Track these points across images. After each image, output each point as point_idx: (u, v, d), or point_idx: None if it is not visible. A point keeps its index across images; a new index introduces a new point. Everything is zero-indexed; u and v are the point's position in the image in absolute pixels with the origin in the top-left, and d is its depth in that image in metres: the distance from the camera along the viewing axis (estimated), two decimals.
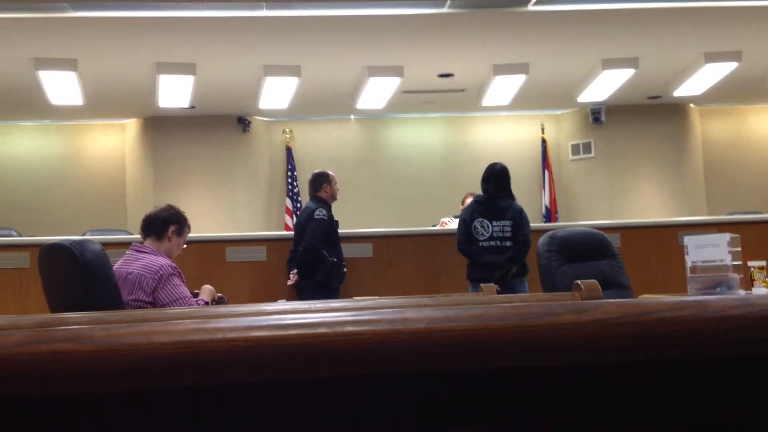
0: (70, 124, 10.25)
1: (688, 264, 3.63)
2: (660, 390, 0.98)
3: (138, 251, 3.92)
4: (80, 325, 1.18)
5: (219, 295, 4.13)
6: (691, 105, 10.68)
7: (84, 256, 3.43)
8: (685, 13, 7.12)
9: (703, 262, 3.57)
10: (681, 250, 3.87)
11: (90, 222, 9.33)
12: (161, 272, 3.76)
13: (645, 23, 7.33)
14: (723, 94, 9.99)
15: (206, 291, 4.05)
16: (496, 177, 5.52)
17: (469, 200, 6.59)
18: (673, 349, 0.91)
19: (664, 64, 8.64)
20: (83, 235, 7.07)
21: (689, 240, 3.66)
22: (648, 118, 10.42)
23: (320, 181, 6.01)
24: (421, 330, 0.86)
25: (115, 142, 10.37)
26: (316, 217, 5.76)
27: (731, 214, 8.42)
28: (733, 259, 3.51)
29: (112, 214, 10.01)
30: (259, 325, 0.84)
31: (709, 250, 3.54)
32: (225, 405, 0.92)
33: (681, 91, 9.44)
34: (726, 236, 3.54)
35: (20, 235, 7.44)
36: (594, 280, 1.77)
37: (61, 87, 8.14)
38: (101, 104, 9.24)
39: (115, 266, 3.84)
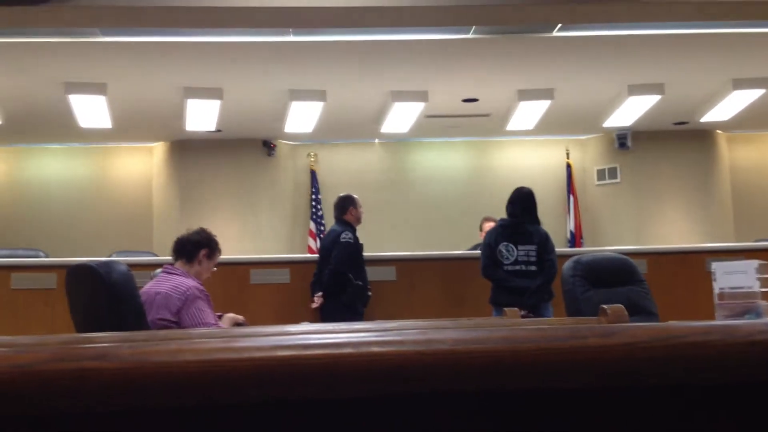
0: (99, 147, 10.38)
1: (716, 291, 3.58)
2: (687, 414, 0.97)
3: (169, 273, 3.97)
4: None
5: (240, 321, 4.08)
6: (718, 131, 10.60)
7: (110, 277, 3.45)
8: (712, 39, 7.07)
9: (731, 288, 3.51)
10: (708, 277, 3.82)
11: (116, 243, 9.40)
12: (188, 293, 3.78)
13: (671, 49, 7.30)
14: (751, 121, 9.90)
15: (227, 319, 4.03)
16: (523, 200, 5.48)
17: (487, 225, 6.56)
18: (701, 374, 0.90)
19: (691, 90, 8.59)
20: (110, 256, 7.13)
21: (717, 266, 3.61)
22: (674, 143, 10.35)
23: (346, 204, 6.03)
24: (446, 351, 0.85)
25: (142, 164, 10.48)
26: (342, 240, 5.77)
27: (759, 240, 8.32)
28: (762, 286, 3.45)
29: (139, 236, 10.09)
30: (284, 345, 0.84)
31: (737, 277, 3.49)
32: (251, 424, 0.92)
33: (708, 117, 9.37)
34: (754, 263, 3.48)
35: (48, 256, 7.52)
36: (620, 305, 1.75)
37: (91, 110, 8.26)
38: (129, 128, 9.35)
39: (146, 287, 3.88)
